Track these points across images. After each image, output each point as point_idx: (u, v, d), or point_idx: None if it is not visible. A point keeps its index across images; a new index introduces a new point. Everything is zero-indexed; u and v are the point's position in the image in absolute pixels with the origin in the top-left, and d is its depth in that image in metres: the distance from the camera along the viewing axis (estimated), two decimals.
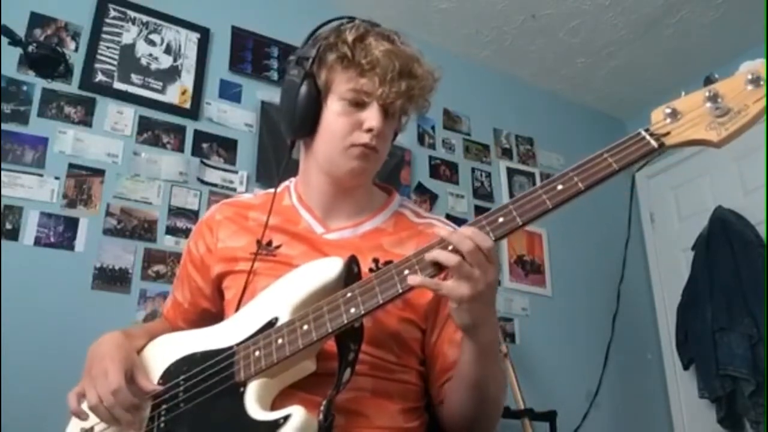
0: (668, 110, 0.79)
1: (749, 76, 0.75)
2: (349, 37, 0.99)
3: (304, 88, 1.01)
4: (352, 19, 1.05)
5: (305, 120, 1.02)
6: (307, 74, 1.01)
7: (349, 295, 0.85)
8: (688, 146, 0.79)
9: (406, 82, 0.98)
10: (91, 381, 0.92)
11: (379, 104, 0.98)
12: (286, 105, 1.04)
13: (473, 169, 3.11)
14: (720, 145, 0.76)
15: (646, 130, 0.79)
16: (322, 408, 0.82)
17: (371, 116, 0.98)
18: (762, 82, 0.74)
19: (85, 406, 0.93)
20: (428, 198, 2.89)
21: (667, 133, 0.78)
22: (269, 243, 1.04)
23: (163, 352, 0.99)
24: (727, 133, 0.75)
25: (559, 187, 0.80)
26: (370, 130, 0.98)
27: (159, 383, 0.95)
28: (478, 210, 3.03)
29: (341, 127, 1.00)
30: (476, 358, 0.89)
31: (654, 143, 0.78)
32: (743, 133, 0.75)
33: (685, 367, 2.98)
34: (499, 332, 0.91)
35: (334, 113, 1.00)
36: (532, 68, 3.36)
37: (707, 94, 0.77)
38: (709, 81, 0.79)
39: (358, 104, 0.99)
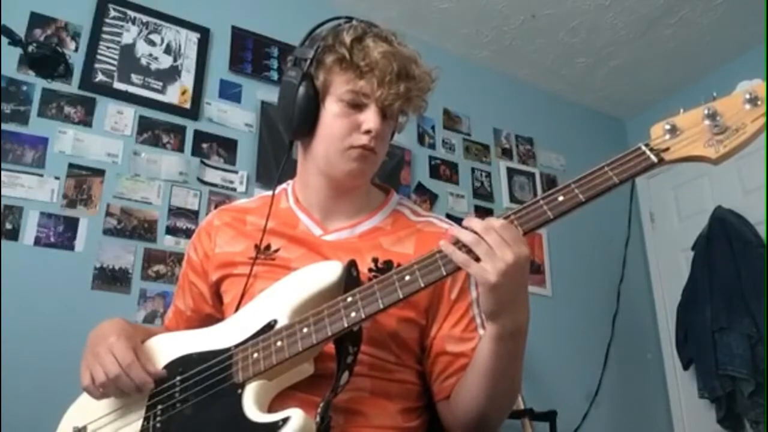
0: (668, 126, 0.81)
1: (747, 96, 0.78)
2: (347, 39, 0.99)
3: (302, 90, 1.01)
4: (349, 19, 1.05)
5: (303, 121, 1.02)
6: (305, 75, 1.01)
7: (349, 299, 0.85)
8: (687, 162, 0.81)
9: (405, 83, 0.98)
10: (96, 357, 0.91)
11: (377, 106, 0.99)
12: (284, 106, 1.04)
13: (473, 169, 3.11)
14: (718, 162, 0.78)
15: (646, 145, 0.81)
16: (318, 410, 0.82)
17: (369, 118, 0.98)
18: (759, 102, 0.77)
19: (102, 389, 0.92)
20: (428, 198, 2.89)
21: (667, 149, 0.80)
22: (267, 247, 1.04)
23: (159, 351, 0.99)
24: (725, 150, 0.77)
25: (560, 198, 0.81)
26: (368, 132, 0.98)
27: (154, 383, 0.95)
28: (478, 210, 3.03)
29: (339, 128, 1.00)
30: (495, 347, 0.86)
31: (654, 158, 0.80)
32: (740, 151, 0.78)
33: (685, 367, 2.99)
34: (526, 327, 0.88)
35: (332, 115, 1.00)
36: (532, 68, 3.36)
37: (706, 111, 0.79)
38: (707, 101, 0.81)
39: (357, 106, 0.99)
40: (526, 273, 0.81)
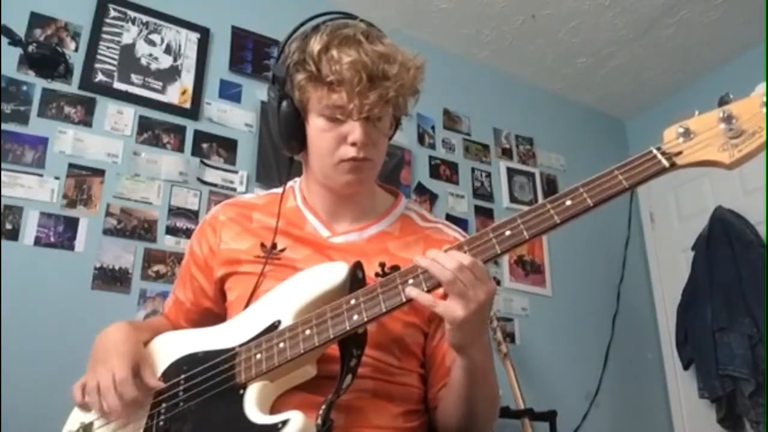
0: (681, 129, 0.78)
1: (765, 98, 0.74)
2: (315, 49, 0.96)
3: (283, 111, 1.00)
4: (319, 21, 1.02)
5: (292, 140, 1.02)
6: (283, 96, 1.00)
7: (353, 302, 0.85)
8: (700, 166, 0.77)
9: (379, 89, 0.94)
10: (96, 375, 0.92)
11: (354, 118, 0.96)
12: (273, 126, 1.04)
13: (473, 169, 3.11)
14: (732, 167, 0.75)
15: (658, 149, 0.78)
16: (320, 412, 0.82)
17: (352, 130, 0.96)
18: None
19: (88, 399, 0.93)
20: (428, 198, 2.89)
21: (679, 153, 0.77)
22: (273, 246, 1.04)
23: (166, 350, 1.00)
24: (740, 155, 0.74)
25: (568, 202, 0.80)
26: (354, 144, 0.97)
27: (160, 380, 0.96)
28: (478, 210, 3.03)
29: (327, 143, 0.98)
30: (465, 376, 0.89)
31: (665, 162, 0.77)
32: (756, 156, 0.74)
33: (685, 367, 2.98)
34: (491, 352, 0.93)
35: (317, 130, 0.99)
36: (532, 68, 3.36)
37: (721, 114, 0.76)
38: (723, 101, 0.77)
39: (337, 119, 0.97)
40: (491, 306, 0.84)
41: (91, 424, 0.97)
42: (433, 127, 3.05)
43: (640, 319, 3.33)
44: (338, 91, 0.94)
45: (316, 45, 0.96)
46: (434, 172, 2.97)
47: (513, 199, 3.15)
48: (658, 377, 3.25)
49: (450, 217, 2.82)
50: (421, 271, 0.83)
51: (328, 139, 0.98)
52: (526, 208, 0.84)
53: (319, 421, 0.81)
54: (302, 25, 1.05)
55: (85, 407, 0.95)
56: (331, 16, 1.03)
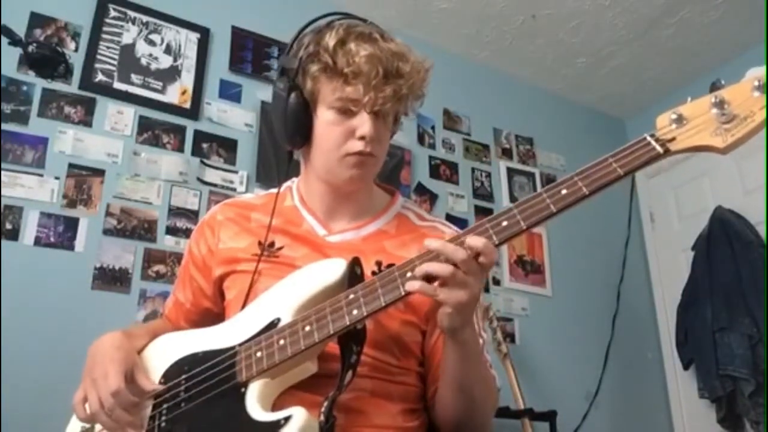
0: (674, 116, 0.78)
1: (756, 83, 0.74)
2: (330, 43, 0.97)
3: (292, 102, 1.00)
4: (332, 19, 1.02)
5: (297, 132, 1.02)
6: (293, 87, 1.00)
7: (351, 296, 0.85)
8: (693, 152, 0.78)
9: (393, 85, 0.96)
10: (92, 384, 0.92)
11: (367, 111, 0.97)
12: (277, 118, 1.04)
13: (473, 169, 3.11)
14: (725, 151, 0.75)
15: (652, 136, 0.78)
16: (323, 409, 0.82)
17: (362, 124, 0.97)
18: None
19: (99, 419, 0.93)
20: (428, 198, 2.89)
21: (673, 139, 0.77)
22: (271, 244, 1.04)
23: (165, 351, 1.00)
24: (732, 139, 0.74)
25: (564, 191, 0.80)
26: (362, 138, 0.97)
27: (161, 382, 0.96)
28: (478, 210, 3.03)
29: (334, 137, 0.99)
30: (459, 359, 0.90)
31: (659, 149, 0.77)
32: (749, 140, 0.74)
33: (685, 367, 2.98)
34: (477, 332, 0.94)
35: (325, 123, 1.00)
36: (532, 68, 3.36)
37: (713, 100, 0.76)
38: (715, 87, 0.78)
39: (348, 112, 0.98)
40: None
41: (92, 428, 0.97)
42: (433, 127, 3.05)
43: (640, 319, 3.33)
44: (353, 83, 0.95)
45: (331, 39, 0.97)
46: (434, 172, 2.98)
47: (513, 199, 3.15)
48: (658, 377, 3.25)
49: (450, 217, 2.82)
50: (419, 263, 0.83)
51: (336, 133, 0.99)
52: None
53: (322, 417, 0.81)
54: (308, 25, 1.04)
55: (89, 421, 0.95)
56: (336, 17, 1.03)
